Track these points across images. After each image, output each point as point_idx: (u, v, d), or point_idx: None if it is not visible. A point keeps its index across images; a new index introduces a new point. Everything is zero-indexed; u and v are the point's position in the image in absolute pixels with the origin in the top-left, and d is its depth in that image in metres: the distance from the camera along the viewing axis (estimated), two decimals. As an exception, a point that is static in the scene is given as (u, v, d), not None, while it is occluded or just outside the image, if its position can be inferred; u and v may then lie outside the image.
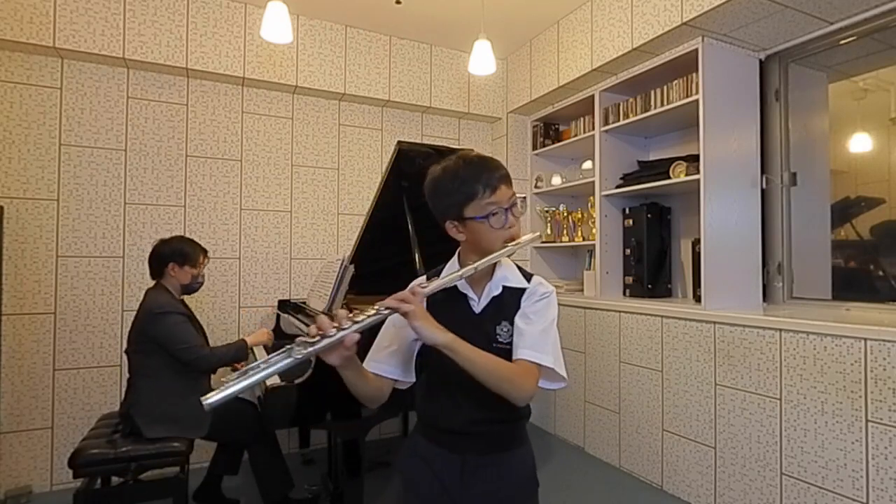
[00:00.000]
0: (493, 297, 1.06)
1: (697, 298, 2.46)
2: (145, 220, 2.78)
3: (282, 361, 0.83)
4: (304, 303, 2.75)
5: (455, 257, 1.11)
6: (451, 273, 0.99)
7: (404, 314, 0.88)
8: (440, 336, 0.89)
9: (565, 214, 3.55)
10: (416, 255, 2.11)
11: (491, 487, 1.04)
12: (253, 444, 2.24)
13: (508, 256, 1.06)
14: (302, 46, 3.05)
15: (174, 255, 2.18)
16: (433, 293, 0.95)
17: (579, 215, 3.44)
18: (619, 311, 2.82)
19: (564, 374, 1.03)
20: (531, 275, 1.11)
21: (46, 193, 2.59)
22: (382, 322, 0.93)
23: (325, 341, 0.85)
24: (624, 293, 3.02)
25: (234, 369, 2.21)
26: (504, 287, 1.06)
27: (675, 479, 2.49)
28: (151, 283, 2.21)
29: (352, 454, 2.01)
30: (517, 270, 1.10)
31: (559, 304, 3.65)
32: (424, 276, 1.14)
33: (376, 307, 0.90)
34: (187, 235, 2.83)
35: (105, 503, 2.04)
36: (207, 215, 2.93)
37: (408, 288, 0.94)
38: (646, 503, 2.46)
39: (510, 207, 1.02)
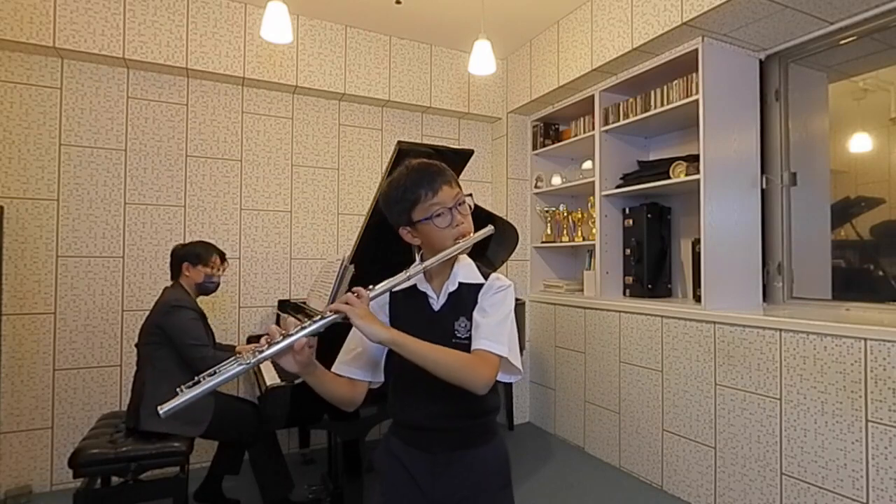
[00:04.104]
0: (450, 294, 1.09)
1: (697, 298, 2.46)
2: (145, 220, 2.78)
3: (233, 369, 0.88)
4: (304, 303, 2.75)
5: (417, 260, 1.13)
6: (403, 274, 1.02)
7: (346, 317, 0.92)
8: (383, 333, 0.92)
9: (565, 214, 3.55)
10: (416, 256, 2.10)
11: (461, 483, 1.07)
12: (253, 444, 2.24)
13: (465, 252, 1.10)
14: (302, 46, 3.05)
15: (188, 255, 2.28)
16: (380, 294, 0.99)
17: (579, 215, 3.44)
18: (619, 311, 2.82)
19: (519, 366, 1.05)
20: (490, 273, 1.13)
21: (46, 193, 2.59)
22: (333, 326, 0.96)
23: (274, 348, 0.90)
24: (624, 293, 3.02)
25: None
26: (460, 283, 1.09)
27: (675, 479, 2.49)
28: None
29: (352, 454, 2.01)
30: (475, 269, 1.12)
31: (561, 305, 3.63)
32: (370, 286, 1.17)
33: (322, 312, 0.94)
34: (188, 235, 2.85)
35: (105, 503, 2.04)
36: (207, 215, 2.93)
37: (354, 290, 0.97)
38: (646, 503, 2.46)
39: (455, 206, 1.05)
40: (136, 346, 2.19)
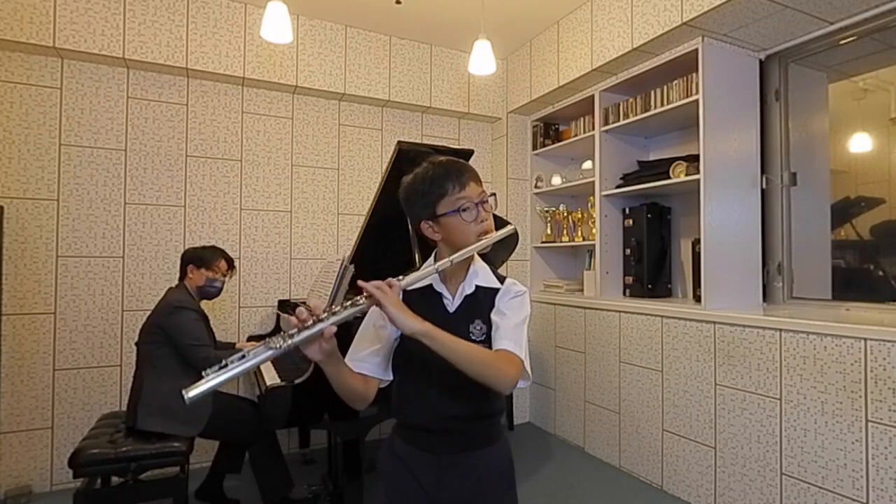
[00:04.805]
0: (467, 296, 1.09)
1: (697, 298, 2.46)
2: (145, 220, 2.78)
3: (262, 354, 0.84)
4: (304, 303, 2.75)
5: (431, 259, 1.13)
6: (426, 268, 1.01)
7: (379, 303, 0.90)
8: (417, 325, 0.91)
9: (565, 214, 3.55)
10: (416, 255, 2.11)
11: (465, 484, 1.06)
12: (253, 444, 2.24)
13: (486, 251, 1.09)
14: (302, 46, 3.05)
15: (194, 258, 2.31)
16: (409, 287, 0.97)
17: (579, 215, 3.44)
18: (619, 311, 2.82)
19: (530, 372, 1.06)
20: (504, 277, 1.13)
21: (46, 193, 2.59)
22: (361, 314, 0.94)
23: (305, 333, 0.86)
24: (624, 293, 3.02)
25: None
26: (477, 286, 1.09)
27: (675, 479, 2.49)
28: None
29: (352, 454, 2.01)
30: (491, 273, 1.13)
31: (561, 305, 3.62)
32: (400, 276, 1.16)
33: (353, 299, 0.92)
34: (188, 235, 2.85)
35: (105, 503, 2.04)
36: (207, 215, 2.93)
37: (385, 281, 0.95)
38: (646, 503, 2.46)
39: (481, 203, 1.06)
40: (137, 344, 2.19)
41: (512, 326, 1.03)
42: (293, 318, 0.89)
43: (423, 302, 1.08)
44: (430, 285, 1.10)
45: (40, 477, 2.55)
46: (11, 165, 2.52)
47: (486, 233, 1.06)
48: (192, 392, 0.79)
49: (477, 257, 1.12)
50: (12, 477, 2.49)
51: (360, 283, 0.91)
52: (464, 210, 1.04)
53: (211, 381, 0.80)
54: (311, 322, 0.88)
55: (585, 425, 3.08)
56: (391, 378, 1.11)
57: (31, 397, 2.54)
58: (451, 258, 1.01)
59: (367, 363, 1.08)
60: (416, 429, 1.10)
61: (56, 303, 2.59)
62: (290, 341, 0.85)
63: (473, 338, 1.05)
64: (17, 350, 2.52)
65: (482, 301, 1.08)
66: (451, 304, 1.09)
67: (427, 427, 1.08)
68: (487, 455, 1.09)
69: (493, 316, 1.06)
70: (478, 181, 1.07)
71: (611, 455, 2.88)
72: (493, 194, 1.10)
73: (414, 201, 1.08)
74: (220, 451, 2.42)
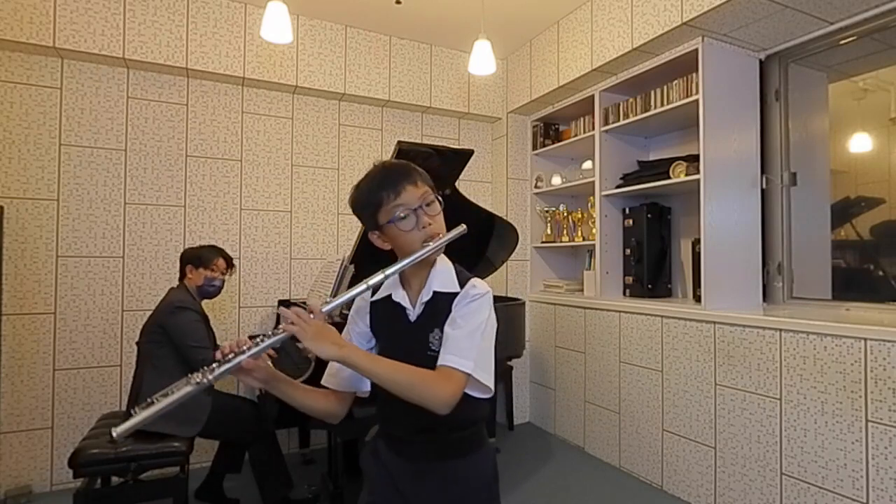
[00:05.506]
0: (425, 304, 1.03)
1: (697, 298, 2.46)
2: (145, 220, 2.78)
3: (183, 389, 0.87)
4: (304, 303, 2.75)
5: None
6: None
7: (294, 333, 0.88)
8: (334, 351, 0.88)
9: (565, 214, 3.55)
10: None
11: (444, 492, 1.04)
12: (253, 444, 2.25)
13: (439, 253, 1.05)
14: (302, 46, 3.05)
15: (192, 258, 2.31)
16: (336, 307, 0.94)
17: (579, 215, 3.44)
18: (619, 311, 2.82)
19: (488, 383, 0.98)
20: (469, 278, 1.05)
21: (46, 193, 2.59)
22: (284, 342, 0.92)
23: (224, 367, 0.88)
24: (624, 293, 3.02)
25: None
26: (434, 292, 1.03)
27: (675, 479, 2.49)
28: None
29: (352, 454, 2.01)
30: (453, 274, 1.06)
31: (561, 305, 3.61)
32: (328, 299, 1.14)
33: (274, 329, 0.91)
34: (188, 235, 2.85)
35: (105, 503, 2.04)
36: (207, 215, 2.93)
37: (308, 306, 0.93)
38: (646, 503, 2.46)
39: (422, 207, 1.00)
40: (138, 343, 2.20)
41: (462, 337, 0.96)
42: (218, 352, 0.90)
43: (386, 314, 1.06)
44: (390, 296, 1.06)
45: (40, 477, 2.55)
46: (11, 165, 2.52)
47: (433, 237, 1.00)
48: (121, 428, 0.84)
49: (441, 258, 1.06)
50: (12, 477, 2.49)
51: (280, 310, 0.91)
52: (401, 218, 0.98)
53: (138, 417, 0.85)
54: (231, 355, 0.89)
55: (585, 425, 3.08)
56: (367, 388, 1.07)
57: (31, 397, 2.54)
58: (385, 272, 0.96)
59: (336, 378, 1.05)
60: (394, 437, 1.08)
61: (56, 303, 2.59)
62: (210, 376, 0.87)
63: (433, 347, 0.99)
64: (17, 350, 2.52)
65: (440, 307, 1.01)
66: (413, 313, 1.04)
67: (404, 438, 1.06)
68: (467, 463, 1.05)
69: (446, 325, 0.98)
70: (417, 184, 1.00)
71: (611, 455, 2.89)
72: (440, 193, 1.04)
73: (359, 212, 1.04)
74: (220, 451, 2.42)
